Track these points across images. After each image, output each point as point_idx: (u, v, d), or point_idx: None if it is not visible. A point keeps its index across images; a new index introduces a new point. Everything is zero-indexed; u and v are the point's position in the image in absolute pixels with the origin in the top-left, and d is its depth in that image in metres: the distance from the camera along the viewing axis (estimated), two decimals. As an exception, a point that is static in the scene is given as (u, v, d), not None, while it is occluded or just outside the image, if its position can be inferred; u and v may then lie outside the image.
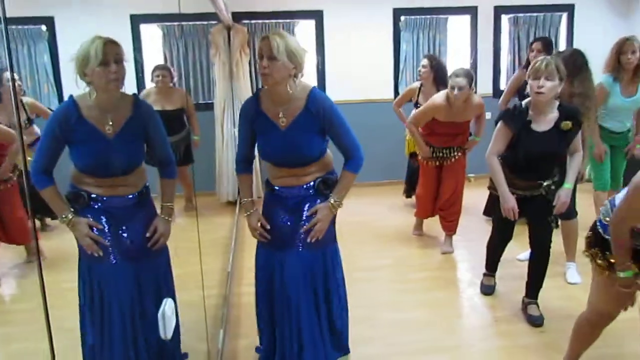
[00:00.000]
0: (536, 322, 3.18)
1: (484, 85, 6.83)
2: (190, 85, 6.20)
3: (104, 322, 2.16)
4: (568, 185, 3.04)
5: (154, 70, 4.33)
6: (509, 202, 3.00)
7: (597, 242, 2.26)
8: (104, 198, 2.18)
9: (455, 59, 6.89)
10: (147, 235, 2.25)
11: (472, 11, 6.73)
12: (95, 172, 2.14)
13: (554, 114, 2.92)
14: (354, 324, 2.81)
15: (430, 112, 4.17)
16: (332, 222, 2.55)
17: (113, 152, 2.11)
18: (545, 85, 2.78)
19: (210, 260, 3.82)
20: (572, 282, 3.75)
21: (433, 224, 4.82)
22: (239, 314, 3.45)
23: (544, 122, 2.92)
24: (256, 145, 2.55)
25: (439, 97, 4.16)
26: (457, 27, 6.90)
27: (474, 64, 6.84)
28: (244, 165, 2.63)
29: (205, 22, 5.86)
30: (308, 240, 2.45)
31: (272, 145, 2.44)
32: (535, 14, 6.84)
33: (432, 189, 4.50)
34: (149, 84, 4.42)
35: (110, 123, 2.10)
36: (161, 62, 5.62)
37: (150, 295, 2.25)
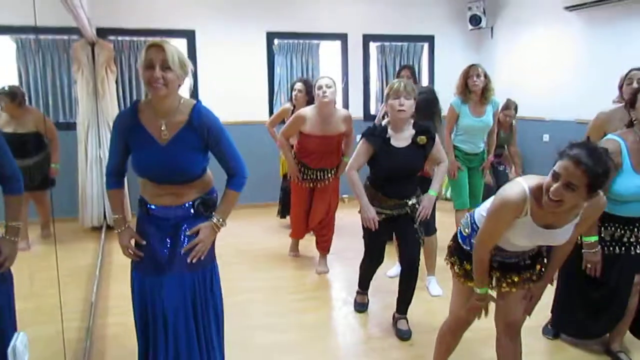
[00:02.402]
0: (404, 336, 3.31)
1: (355, 109, 7.09)
2: (49, 103, 5.73)
3: None
4: (432, 192, 3.27)
5: None
6: (369, 212, 3.16)
7: (456, 251, 2.44)
8: None
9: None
10: None
11: (343, 38, 7.01)
12: None
13: (410, 131, 3.16)
14: (228, 347, 2.70)
15: (299, 121, 4.21)
16: (213, 241, 2.44)
17: None
18: (404, 104, 3.03)
19: (70, 290, 3.51)
20: (435, 294, 3.96)
21: (309, 244, 4.86)
22: (104, 347, 3.20)
23: (402, 139, 3.14)
24: (130, 160, 2.38)
25: (306, 108, 4.30)
26: (329, 52, 7.13)
27: (345, 89, 7.11)
28: (114, 179, 2.45)
29: (65, 37, 5.49)
30: (188, 260, 2.31)
31: (150, 161, 2.28)
32: (400, 43, 7.29)
33: (304, 208, 4.55)
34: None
35: None
36: (15, 77, 5.15)
37: None
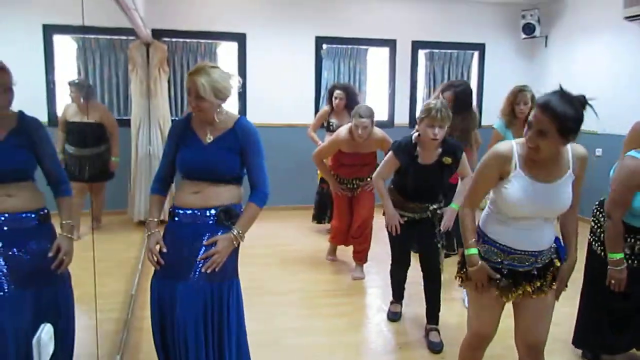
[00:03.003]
0: (435, 348, 3.28)
1: (401, 116, 7.08)
2: (105, 101, 5.99)
3: None
4: (454, 205, 3.31)
5: (70, 85, 4.15)
6: (392, 217, 3.32)
7: (464, 263, 2.40)
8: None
9: (375, 89, 7.12)
10: (50, 255, 2.12)
11: (391, 44, 6.99)
12: None
13: (438, 150, 3.22)
14: (259, 348, 2.77)
15: (335, 145, 4.36)
16: (234, 256, 2.48)
17: None
18: (438, 133, 3.09)
19: (113, 281, 3.66)
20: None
21: (347, 249, 4.88)
22: (140, 338, 3.31)
23: (429, 157, 3.22)
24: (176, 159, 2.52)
25: (343, 131, 4.32)
26: (377, 58, 7.13)
27: (392, 95, 7.09)
28: (160, 185, 2.59)
29: (123, 37, 5.71)
30: (203, 270, 2.36)
31: (191, 155, 2.46)
32: (449, 51, 7.21)
33: (345, 219, 4.61)
34: (60, 96, 4.23)
35: None
36: (75, 76, 5.39)
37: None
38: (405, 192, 3.33)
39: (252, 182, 2.49)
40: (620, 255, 2.71)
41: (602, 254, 2.89)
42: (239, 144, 2.44)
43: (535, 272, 2.27)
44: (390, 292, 3.80)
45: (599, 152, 6.23)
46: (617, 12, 5.83)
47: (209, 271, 2.36)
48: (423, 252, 3.45)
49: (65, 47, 5.28)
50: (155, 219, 2.54)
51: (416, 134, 3.24)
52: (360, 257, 4.61)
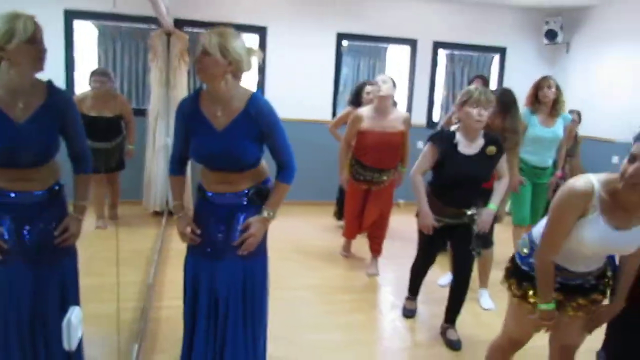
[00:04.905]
0: (455, 346, 3.25)
1: (418, 116, 7.04)
2: (124, 89, 6.00)
3: None
4: (492, 206, 3.18)
5: (92, 75, 4.15)
6: (427, 218, 3.13)
7: (515, 273, 2.31)
8: (10, 193, 2.03)
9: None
10: (56, 234, 2.12)
11: (412, 43, 6.95)
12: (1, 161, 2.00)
13: (480, 140, 3.09)
14: (273, 342, 2.76)
15: (356, 120, 4.23)
16: (265, 233, 2.48)
17: (21, 139, 1.97)
18: (483, 114, 2.97)
19: (130, 271, 3.66)
20: (486, 307, 3.87)
21: (361, 246, 4.86)
22: (157, 328, 3.31)
23: (470, 147, 3.08)
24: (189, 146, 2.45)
25: (363, 108, 4.35)
26: (397, 57, 7.10)
27: (411, 94, 7.05)
28: (177, 166, 2.53)
29: (145, 26, 5.72)
30: (239, 253, 2.37)
31: (207, 148, 2.32)
32: (470, 53, 7.17)
33: (357, 209, 4.52)
34: (79, 83, 4.24)
35: (21, 106, 1.98)
36: (95, 62, 5.40)
37: (53, 303, 2.10)
38: (443, 192, 3.16)
39: (279, 162, 2.42)
40: None
41: None
42: (257, 127, 2.30)
43: (589, 285, 2.17)
44: (405, 289, 3.77)
45: (615, 159, 6.16)
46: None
47: (245, 254, 2.37)
48: (457, 256, 3.37)
49: (86, 34, 5.32)
50: (180, 202, 2.52)
51: (455, 126, 3.15)
52: (376, 248, 4.55)
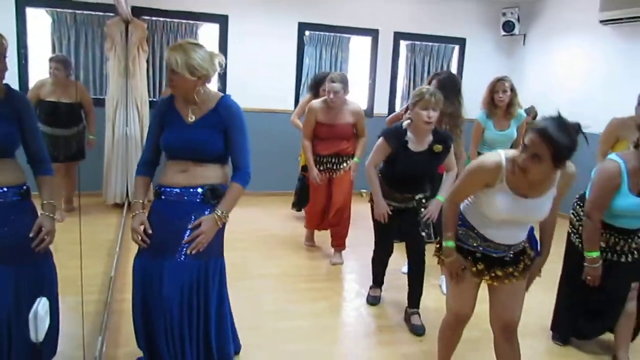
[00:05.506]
0: (418, 331, 3.34)
1: (380, 106, 7.12)
2: (81, 78, 5.83)
3: None
4: (440, 197, 3.32)
5: (50, 61, 4.03)
6: (382, 208, 3.33)
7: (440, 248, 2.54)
8: None
9: (355, 78, 7.12)
10: (31, 235, 2.12)
11: (374, 34, 7.01)
12: None
13: (429, 138, 3.24)
14: (239, 331, 2.79)
15: (311, 115, 4.36)
16: (220, 235, 2.50)
17: None
18: (432, 116, 3.11)
19: (91, 263, 3.59)
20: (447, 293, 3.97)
21: (324, 236, 4.90)
22: (120, 321, 3.27)
23: (419, 144, 3.23)
24: (160, 140, 2.51)
25: (316, 101, 4.42)
26: (359, 47, 7.14)
27: (373, 84, 7.11)
28: (146, 168, 2.59)
29: (101, 13, 5.56)
30: (189, 252, 2.37)
31: (174, 135, 2.45)
32: (431, 44, 7.27)
33: (321, 201, 4.60)
34: (33, 73, 4.10)
35: None
36: (49, 50, 5.23)
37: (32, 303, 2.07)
38: (393, 182, 3.35)
39: (235, 162, 2.49)
40: (596, 254, 2.85)
41: (580, 246, 3.01)
42: (223, 123, 2.44)
43: (508, 259, 2.38)
44: (369, 277, 3.85)
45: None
46: (593, 16, 5.96)
47: (194, 252, 2.38)
48: (407, 239, 3.50)
49: (39, 22, 5.15)
50: (140, 201, 2.53)
51: (406, 122, 3.27)
52: (340, 243, 4.62)
